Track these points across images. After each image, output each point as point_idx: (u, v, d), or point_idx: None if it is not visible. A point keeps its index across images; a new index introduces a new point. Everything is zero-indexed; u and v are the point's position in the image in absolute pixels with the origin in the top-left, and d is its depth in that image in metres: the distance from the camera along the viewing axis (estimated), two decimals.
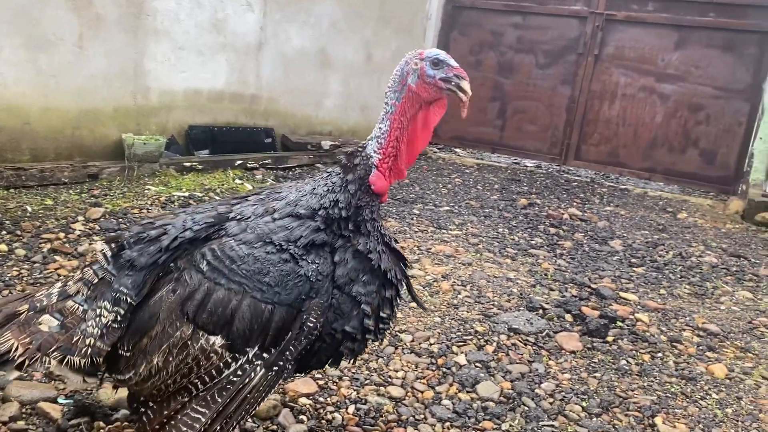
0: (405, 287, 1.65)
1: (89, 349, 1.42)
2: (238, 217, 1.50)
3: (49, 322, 1.44)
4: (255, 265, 1.41)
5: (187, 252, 1.47)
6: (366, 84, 7.85)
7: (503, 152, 8.69)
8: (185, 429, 1.41)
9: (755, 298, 3.69)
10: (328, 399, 2.14)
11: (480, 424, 2.08)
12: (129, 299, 1.44)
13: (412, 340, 2.61)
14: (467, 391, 2.27)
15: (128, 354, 1.44)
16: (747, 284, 3.92)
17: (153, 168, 4.94)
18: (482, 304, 3.09)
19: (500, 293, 3.25)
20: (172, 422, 1.43)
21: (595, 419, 2.17)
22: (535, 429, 2.08)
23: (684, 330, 3.05)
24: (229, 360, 1.41)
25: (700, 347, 2.87)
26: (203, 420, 1.41)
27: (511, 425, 2.09)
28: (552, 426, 2.10)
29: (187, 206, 4.20)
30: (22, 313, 1.48)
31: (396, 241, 1.65)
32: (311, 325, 1.43)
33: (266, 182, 5.27)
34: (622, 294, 3.41)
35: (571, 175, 8.08)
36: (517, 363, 2.53)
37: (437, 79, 1.54)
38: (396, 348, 2.53)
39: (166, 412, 1.44)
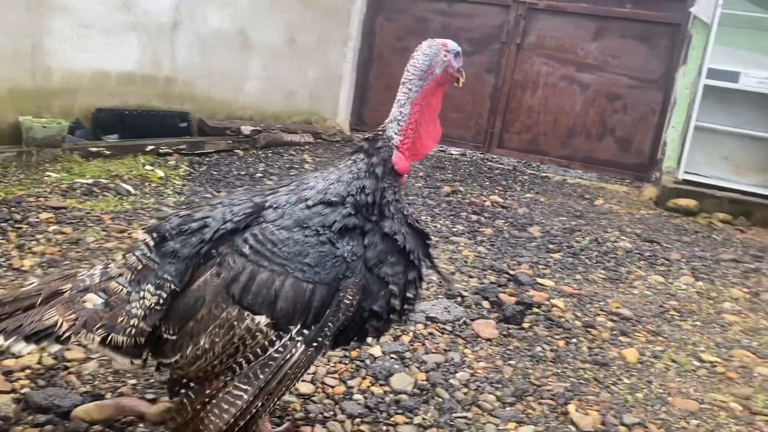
0: (429, 264, 1.71)
1: (133, 329, 1.47)
2: (274, 205, 1.57)
3: (94, 300, 1.50)
4: (295, 248, 1.49)
5: (227, 240, 1.53)
6: (289, 68, 7.64)
7: None
8: (227, 407, 1.45)
9: (666, 282, 3.79)
10: None
11: (392, 419, 2.01)
12: (172, 285, 1.50)
13: None
14: (380, 385, 2.18)
15: (174, 338, 1.49)
16: (659, 269, 4.03)
17: (55, 153, 4.60)
18: None
19: None
20: (214, 401, 1.47)
21: (508, 408, 2.14)
22: (449, 421, 2.02)
23: (598, 315, 3.09)
24: (274, 338, 1.47)
25: (614, 332, 2.90)
26: (245, 397, 1.45)
27: (424, 418, 2.02)
28: (465, 417, 2.04)
29: (90, 194, 3.95)
30: (65, 291, 1.53)
31: (417, 220, 1.70)
32: (348, 302, 1.51)
33: (179, 168, 5.02)
34: (539, 280, 3.42)
35: (494, 163, 8.17)
36: (433, 353, 2.47)
37: (454, 72, 1.74)
38: None
39: (207, 392, 1.48)
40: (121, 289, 1.52)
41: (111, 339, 1.47)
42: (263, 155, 6.19)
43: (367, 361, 2.32)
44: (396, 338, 2.54)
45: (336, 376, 2.20)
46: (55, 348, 1.50)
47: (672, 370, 2.60)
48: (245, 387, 1.46)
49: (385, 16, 8.53)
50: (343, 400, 2.07)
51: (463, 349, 2.54)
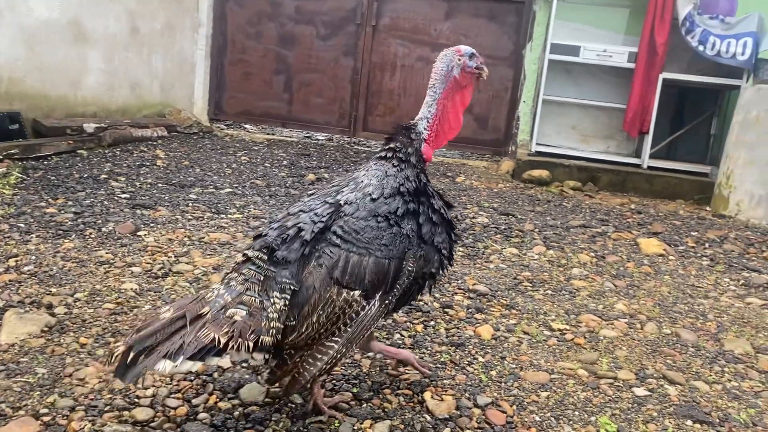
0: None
1: (273, 330, 1.74)
2: (348, 202, 1.88)
3: (240, 313, 1.71)
4: (373, 233, 1.83)
5: (319, 237, 1.83)
6: (135, 59, 7.14)
7: (294, 126, 8.51)
8: (320, 356, 1.81)
9: (520, 253, 3.93)
10: None
11: None
12: (292, 287, 1.78)
13: None
14: (229, 399, 2.05)
15: (294, 323, 1.77)
16: (513, 240, 4.17)
17: None
18: None
19: None
20: (309, 353, 1.81)
21: (365, 405, 2.09)
22: (302, 428, 1.93)
23: (456, 294, 3.13)
24: (365, 304, 1.83)
25: (470, 310, 2.94)
26: (336, 347, 1.82)
27: (275, 429, 1.92)
28: (320, 422, 1.96)
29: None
30: (206, 312, 1.71)
31: (441, 194, 2.08)
32: (410, 269, 1.90)
33: (10, 176, 4.52)
34: None
35: (361, 147, 8.15)
36: None
37: (473, 68, 2.03)
38: None
39: (306, 348, 1.81)
40: (255, 300, 1.76)
41: (260, 341, 1.71)
42: (110, 154, 5.74)
43: (216, 374, 2.17)
44: None
45: (179, 396, 2.04)
46: (214, 361, 1.67)
47: (524, 343, 2.68)
48: (337, 339, 1.82)
49: (235, 0, 8.19)
50: (186, 421, 1.91)
51: None
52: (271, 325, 1.73)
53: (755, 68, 6.47)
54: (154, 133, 6.78)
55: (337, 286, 1.79)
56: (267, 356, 1.80)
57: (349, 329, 1.84)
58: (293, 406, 2.04)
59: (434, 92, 2.03)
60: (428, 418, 2.04)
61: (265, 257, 1.80)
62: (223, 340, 1.64)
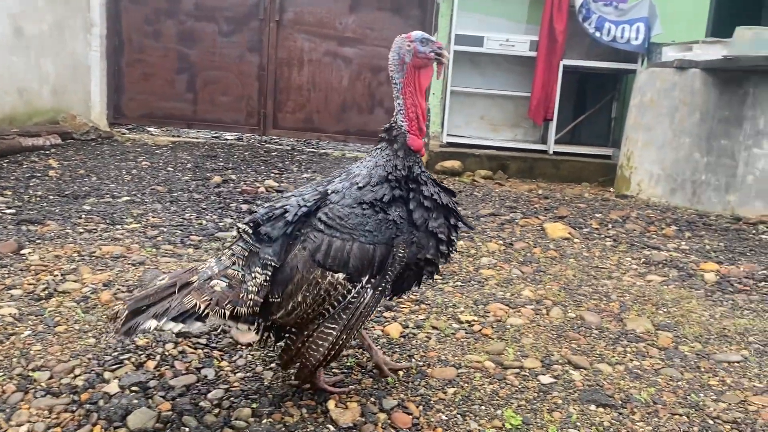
0: (457, 215, 2.12)
1: (251, 302, 1.87)
2: (335, 191, 1.97)
3: (220, 284, 1.87)
4: (357, 219, 1.91)
5: (305, 222, 1.94)
6: (20, 63, 6.67)
7: (200, 127, 8.22)
8: (321, 342, 1.93)
9: None
10: None
11: None
12: (273, 263, 1.90)
13: (50, 378, 2.13)
14: (115, 428, 1.89)
15: (278, 300, 1.90)
16: None
17: None
18: None
19: None
20: (311, 338, 1.95)
21: (265, 420, 1.98)
22: None
23: None
24: (350, 287, 1.91)
25: (378, 309, 2.87)
26: (335, 333, 1.93)
27: None
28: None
29: None
30: (194, 282, 1.89)
31: (441, 183, 2.14)
32: (401, 255, 1.96)
33: None
34: None
35: (272, 145, 7.97)
36: (183, 374, 2.22)
37: (428, 53, 2.01)
38: (26, 393, 2.04)
39: (306, 332, 1.95)
40: (238, 273, 1.90)
41: (235, 311, 1.86)
42: None
43: (101, 402, 2.01)
44: (139, 366, 2.25)
45: (58, 429, 1.87)
46: (196, 326, 1.83)
47: (433, 338, 2.64)
48: (333, 326, 1.93)
49: None
50: None
51: (218, 362, 2.33)
52: (249, 297, 1.88)
53: (648, 52, 6.75)
54: (47, 142, 6.36)
55: (321, 269, 1.89)
56: (254, 329, 1.96)
57: (344, 315, 1.94)
58: (187, 429, 1.91)
59: (395, 83, 2.04)
60: (332, 428, 1.96)
61: (251, 231, 1.95)
62: (202, 306, 1.82)
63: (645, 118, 6.14)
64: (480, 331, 2.75)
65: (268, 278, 1.90)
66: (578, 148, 7.22)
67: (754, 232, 4.91)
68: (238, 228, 1.97)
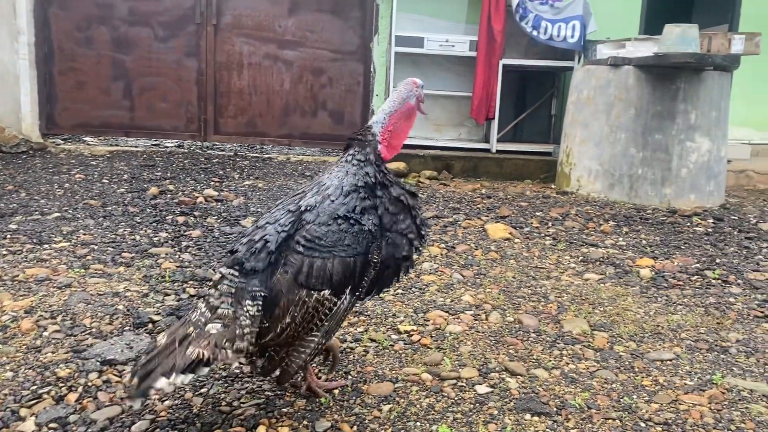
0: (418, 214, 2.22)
1: (247, 335, 1.90)
2: (309, 208, 2.00)
3: (215, 327, 1.89)
4: (335, 236, 1.96)
5: (285, 245, 1.96)
6: None
7: (138, 135, 7.99)
8: (303, 349, 2.00)
9: None
10: None
11: None
12: (262, 293, 1.92)
13: None
14: None
15: (267, 324, 1.93)
16: None
17: None
18: (75, 336, 2.58)
19: (101, 316, 2.78)
20: (292, 348, 2.00)
21: None
22: None
23: None
24: (336, 300, 1.98)
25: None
26: (317, 340, 2.00)
27: None
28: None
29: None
30: (191, 333, 1.90)
31: (401, 183, 2.19)
32: (375, 260, 2.03)
33: None
34: None
35: (215, 151, 7.81)
36: (107, 406, 2.12)
37: (421, 98, 2.24)
38: None
39: (292, 346, 2.00)
40: (229, 311, 1.91)
41: (236, 346, 1.87)
42: None
43: None
44: (60, 399, 2.14)
45: None
46: (205, 371, 1.84)
47: (371, 352, 2.60)
48: (316, 333, 2.00)
49: (59, 5, 7.53)
50: None
51: None
52: (245, 331, 1.90)
53: (584, 50, 6.88)
54: None
55: (305, 289, 1.94)
56: (252, 358, 2.01)
57: (326, 323, 2.01)
58: None
59: (392, 106, 2.17)
60: None
61: (237, 273, 1.96)
62: (205, 353, 1.84)
63: (582, 114, 6.25)
64: (419, 341, 2.72)
65: (260, 308, 1.92)
66: (520, 146, 7.31)
67: (689, 224, 5.06)
68: (222, 273, 1.97)
